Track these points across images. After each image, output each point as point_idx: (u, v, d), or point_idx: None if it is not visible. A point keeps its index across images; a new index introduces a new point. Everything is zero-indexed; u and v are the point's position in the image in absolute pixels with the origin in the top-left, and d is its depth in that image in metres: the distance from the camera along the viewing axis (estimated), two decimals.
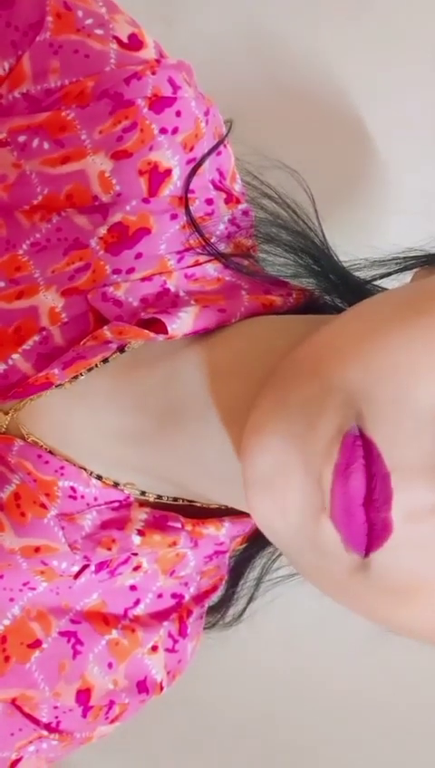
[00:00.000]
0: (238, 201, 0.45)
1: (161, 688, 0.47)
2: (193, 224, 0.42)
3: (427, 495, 0.30)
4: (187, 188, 0.42)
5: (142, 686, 0.46)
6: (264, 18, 0.54)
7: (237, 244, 0.45)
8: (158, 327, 0.41)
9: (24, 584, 0.43)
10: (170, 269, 0.42)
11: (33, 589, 0.43)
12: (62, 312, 0.42)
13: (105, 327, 0.41)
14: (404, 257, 0.43)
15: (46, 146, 0.41)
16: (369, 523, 0.31)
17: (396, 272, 0.43)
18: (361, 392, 0.31)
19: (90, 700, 0.45)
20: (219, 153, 0.44)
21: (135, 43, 0.41)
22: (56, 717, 0.44)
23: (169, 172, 0.41)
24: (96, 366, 0.42)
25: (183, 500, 0.44)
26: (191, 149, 0.42)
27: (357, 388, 0.31)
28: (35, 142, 0.41)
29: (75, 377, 0.42)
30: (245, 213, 0.45)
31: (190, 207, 0.42)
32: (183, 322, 0.40)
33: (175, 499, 0.44)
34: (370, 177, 0.54)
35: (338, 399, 0.31)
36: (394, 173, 0.54)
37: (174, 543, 0.43)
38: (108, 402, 0.42)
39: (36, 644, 0.44)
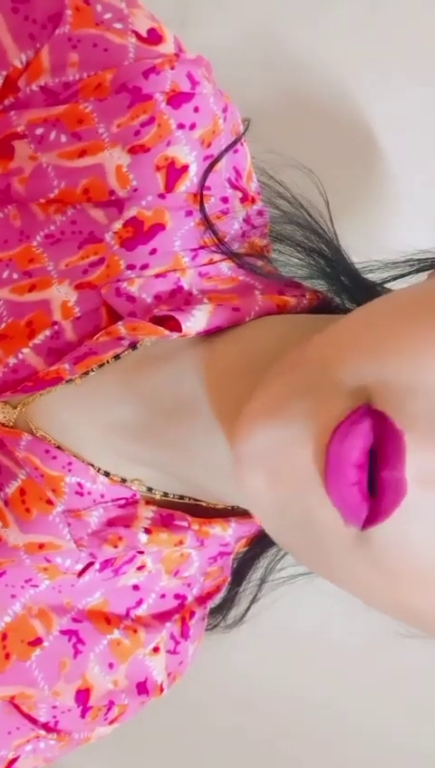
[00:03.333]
0: (254, 200, 0.45)
1: (161, 690, 0.46)
2: (207, 222, 0.42)
3: None
4: (202, 185, 0.42)
5: (142, 688, 0.46)
6: (278, 21, 0.54)
7: (251, 243, 0.45)
8: (171, 324, 0.40)
9: (27, 581, 0.43)
10: (184, 266, 0.42)
11: (36, 586, 0.43)
12: (75, 307, 0.41)
13: (119, 323, 0.40)
14: (418, 259, 0.43)
15: (63, 139, 0.40)
16: (379, 484, 0.28)
17: (409, 273, 0.43)
18: (372, 379, 0.30)
19: (89, 700, 0.44)
20: (236, 151, 0.43)
21: (154, 37, 0.41)
22: (54, 717, 0.44)
23: (185, 168, 0.41)
24: (107, 362, 0.42)
25: (189, 498, 0.44)
26: (209, 146, 0.42)
27: (369, 380, 0.30)
28: (53, 135, 0.40)
29: (86, 372, 0.42)
30: (260, 213, 0.45)
31: (205, 205, 0.42)
32: (197, 320, 0.40)
33: (181, 497, 0.44)
34: (383, 179, 0.54)
35: (347, 386, 0.30)
36: (407, 175, 0.54)
37: (180, 542, 0.43)
38: (118, 398, 0.42)
39: (37, 642, 0.43)
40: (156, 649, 0.46)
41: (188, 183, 0.41)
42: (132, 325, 0.40)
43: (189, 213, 0.42)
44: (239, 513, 0.45)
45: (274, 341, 0.40)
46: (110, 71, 0.40)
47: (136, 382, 0.42)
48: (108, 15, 0.40)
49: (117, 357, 0.42)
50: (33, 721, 0.43)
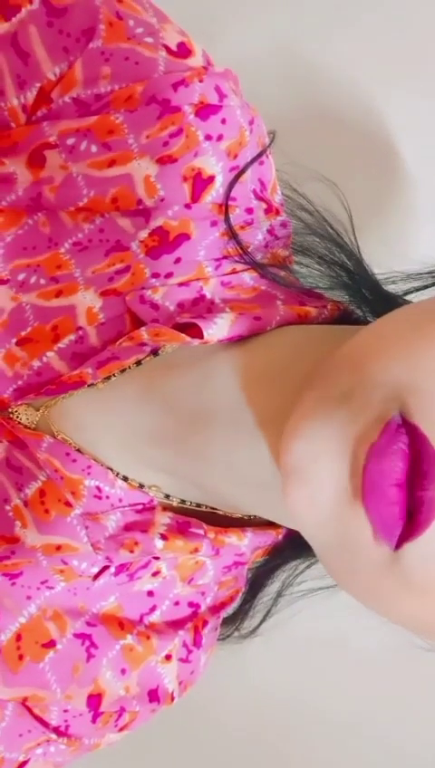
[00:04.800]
0: (278, 212, 0.45)
1: (172, 699, 0.46)
2: (231, 232, 0.42)
3: None
4: (228, 196, 0.42)
5: (154, 695, 0.45)
6: (301, 35, 0.55)
7: (274, 254, 0.45)
8: (193, 331, 0.41)
9: (43, 582, 0.43)
10: (208, 275, 0.42)
11: (51, 588, 0.43)
12: (100, 313, 0.42)
13: (142, 328, 0.41)
14: None
15: (94, 149, 0.41)
16: (414, 503, 0.29)
17: (432, 285, 0.43)
18: (405, 386, 0.30)
19: (100, 705, 0.44)
20: (262, 163, 0.44)
21: (184, 51, 0.42)
22: (65, 721, 0.43)
23: (212, 179, 0.42)
24: (129, 368, 0.42)
25: (206, 507, 0.44)
26: (235, 157, 0.42)
27: (401, 383, 0.31)
28: (83, 145, 0.41)
29: (108, 377, 0.42)
30: (283, 224, 0.46)
31: (230, 215, 0.42)
32: (219, 328, 0.40)
33: (198, 505, 0.44)
34: (405, 190, 0.54)
35: (381, 393, 0.31)
36: (430, 186, 0.54)
37: (196, 550, 0.43)
38: (138, 403, 0.42)
39: (51, 644, 0.43)
40: (168, 657, 0.45)
41: (213, 193, 0.42)
42: (155, 331, 0.40)
43: (214, 223, 0.43)
44: (256, 524, 0.45)
45: (298, 351, 0.40)
46: (140, 83, 0.40)
47: (157, 389, 0.42)
48: (139, 30, 0.41)
49: (138, 363, 0.42)
50: (44, 724, 0.43)
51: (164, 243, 0.42)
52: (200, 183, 0.42)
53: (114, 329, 0.42)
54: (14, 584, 0.43)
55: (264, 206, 0.45)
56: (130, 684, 0.45)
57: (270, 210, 0.45)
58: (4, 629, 0.42)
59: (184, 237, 0.42)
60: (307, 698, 0.58)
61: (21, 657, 0.43)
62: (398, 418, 0.30)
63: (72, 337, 0.42)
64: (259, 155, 0.44)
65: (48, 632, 0.43)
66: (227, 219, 0.42)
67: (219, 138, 0.42)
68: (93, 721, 0.44)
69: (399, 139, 0.54)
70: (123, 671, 0.45)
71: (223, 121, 0.42)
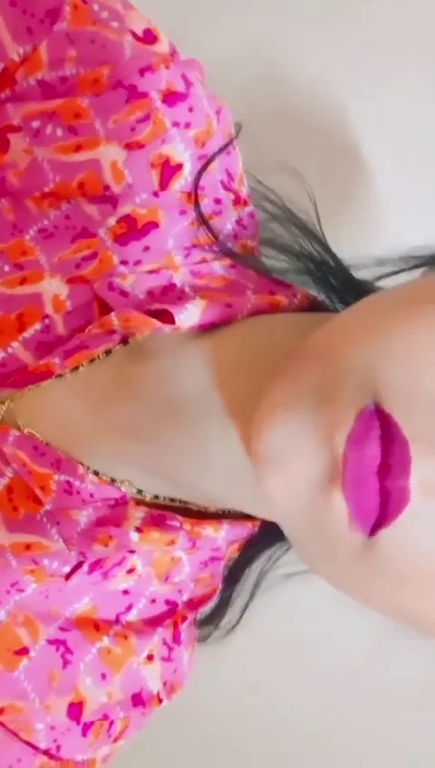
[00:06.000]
0: (246, 203, 0.45)
1: (160, 700, 0.44)
2: (203, 220, 0.42)
3: None
4: (197, 184, 0.42)
5: (138, 699, 0.44)
6: (273, 35, 0.55)
7: (243, 244, 0.45)
8: (164, 318, 0.40)
9: (12, 585, 0.41)
10: (177, 264, 0.42)
11: (22, 590, 0.41)
12: (67, 301, 0.41)
13: (112, 314, 0.40)
14: (413, 256, 0.43)
15: (59, 132, 0.40)
16: (383, 492, 0.30)
17: (402, 271, 0.44)
18: (377, 373, 0.31)
19: (82, 714, 0.42)
20: (228, 153, 0.44)
21: (150, 37, 0.41)
22: (55, 741, 0.41)
23: (180, 166, 0.41)
24: (98, 357, 0.41)
25: (179, 501, 0.43)
26: (203, 146, 0.42)
27: (373, 370, 0.31)
28: (49, 129, 0.40)
29: (76, 368, 0.41)
30: (251, 215, 0.46)
31: (199, 204, 0.42)
32: (190, 314, 0.40)
33: (172, 500, 0.43)
34: (374, 178, 0.55)
35: (354, 380, 0.31)
36: (399, 172, 0.55)
37: (172, 542, 0.42)
38: (108, 394, 0.41)
39: (23, 651, 0.41)
40: (150, 657, 0.44)
41: (182, 182, 0.42)
42: (125, 316, 0.40)
43: (183, 212, 0.42)
44: (231, 517, 0.44)
45: (268, 341, 0.40)
46: (106, 66, 0.40)
47: (126, 378, 0.41)
48: (105, 14, 0.41)
49: (108, 352, 0.41)
50: (33, 747, 0.41)
51: (132, 230, 0.41)
52: (168, 170, 0.41)
53: (82, 317, 0.41)
54: None
55: (232, 196, 0.45)
56: (113, 689, 0.43)
57: (238, 201, 0.45)
58: None
59: (152, 225, 0.41)
60: (287, 697, 0.58)
61: None
62: (371, 406, 0.30)
63: (38, 326, 0.41)
64: (227, 144, 0.44)
65: (20, 639, 0.41)
66: (197, 207, 0.42)
67: (187, 125, 0.41)
68: (84, 734, 0.42)
69: (362, 129, 0.55)
70: (104, 676, 0.43)
71: (190, 109, 0.41)
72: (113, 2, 0.42)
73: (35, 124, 0.40)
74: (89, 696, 0.42)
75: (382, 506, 0.30)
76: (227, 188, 0.44)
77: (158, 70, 0.40)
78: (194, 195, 0.42)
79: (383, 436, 0.30)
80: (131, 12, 0.42)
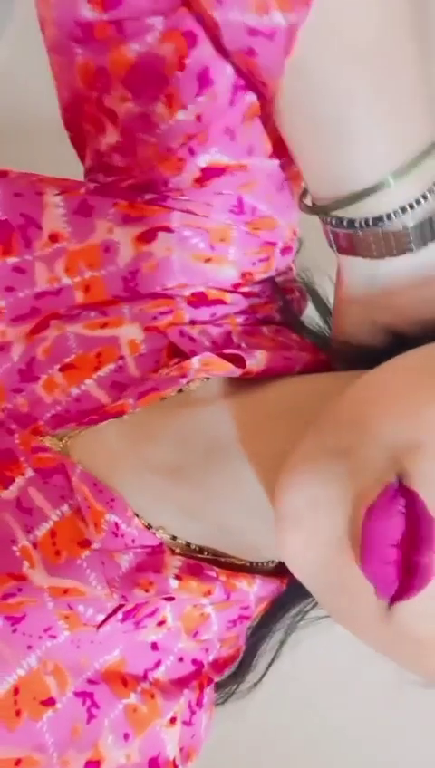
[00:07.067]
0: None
1: (175, 767, 0.42)
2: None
3: None
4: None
5: (154, 764, 0.42)
6: None
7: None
8: (235, 364, 0.42)
9: (46, 630, 0.40)
10: (236, 323, 0.45)
11: (54, 637, 0.40)
12: (142, 344, 0.43)
13: (195, 357, 0.41)
14: None
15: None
16: (407, 565, 0.30)
17: None
18: (406, 447, 0.31)
19: None
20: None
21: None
22: None
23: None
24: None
25: (208, 553, 0.43)
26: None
27: (402, 443, 0.31)
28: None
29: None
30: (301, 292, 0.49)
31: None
32: (258, 361, 0.42)
33: (201, 551, 0.43)
34: None
35: (381, 453, 0.31)
36: None
37: (209, 592, 0.42)
38: (155, 436, 0.42)
39: (50, 702, 0.40)
40: (173, 720, 0.43)
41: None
42: (206, 360, 0.41)
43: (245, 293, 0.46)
44: (261, 572, 0.44)
45: (309, 393, 0.42)
46: None
47: (176, 422, 0.42)
48: None
49: (163, 398, 0.43)
50: None
51: (203, 302, 0.44)
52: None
53: (152, 360, 0.43)
54: (15, 631, 0.40)
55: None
56: (132, 752, 0.41)
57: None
58: (1, 681, 0.39)
59: (221, 302, 0.45)
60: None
61: (18, 714, 0.39)
62: (395, 483, 0.30)
63: (113, 366, 0.43)
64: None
65: (48, 688, 0.40)
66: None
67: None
68: None
69: None
70: (126, 736, 0.41)
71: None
72: None
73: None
74: (108, 755, 0.40)
75: (407, 579, 0.30)
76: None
77: None
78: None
79: (409, 511, 0.30)
80: None
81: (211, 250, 0.44)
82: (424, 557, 0.30)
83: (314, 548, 0.32)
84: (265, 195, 0.43)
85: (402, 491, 0.30)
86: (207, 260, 0.44)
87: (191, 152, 0.40)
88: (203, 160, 0.41)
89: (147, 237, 0.43)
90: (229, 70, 0.38)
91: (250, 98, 0.39)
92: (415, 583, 0.30)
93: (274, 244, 0.45)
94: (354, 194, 0.37)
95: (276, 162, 0.42)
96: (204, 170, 0.41)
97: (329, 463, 0.32)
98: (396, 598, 0.30)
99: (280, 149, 0.41)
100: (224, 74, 0.38)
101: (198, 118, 0.39)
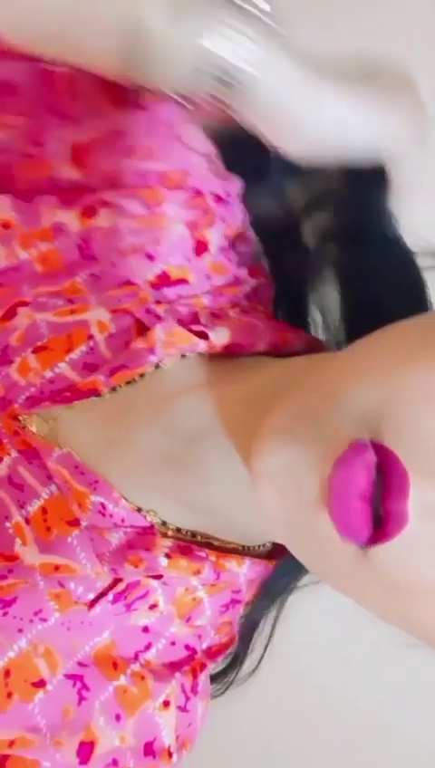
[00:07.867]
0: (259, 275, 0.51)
1: (170, 755, 0.42)
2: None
3: None
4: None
5: (149, 749, 0.41)
6: None
7: (254, 308, 0.49)
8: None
9: (36, 613, 0.40)
10: (203, 304, 0.47)
11: (45, 620, 0.41)
12: (110, 324, 0.44)
13: (157, 326, 0.43)
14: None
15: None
16: (379, 513, 0.31)
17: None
18: (380, 410, 0.32)
19: (92, 755, 0.40)
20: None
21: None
22: None
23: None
24: (134, 380, 0.44)
25: (201, 537, 0.44)
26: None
27: (376, 407, 0.32)
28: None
29: (114, 388, 0.43)
30: (266, 287, 0.51)
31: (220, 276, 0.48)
32: (221, 335, 0.44)
33: (193, 535, 0.44)
34: None
35: (354, 415, 0.32)
36: None
37: (198, 572, 0.42)
38: (142, 420, 0.43)
39: (40, 684, 0.40)
40: (166, 703, 0.42)
41: (210, 258, 0.47)
42: (169, 331, 0.43)
43: (209, 276, 0.47)
44: (251, 554, 0.45)
45: (280, 375, 0.43)
46: None
47: (161, 409, 0.43)
48: None
49: (142, 375, 0.44)
50: None
51: (165, 283, 0.46)
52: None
53: (122, 340, 0.44)
54: (5, 614, 0.40)
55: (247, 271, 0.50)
56: (126, 733, 0.41)
57: (253, 273, 0.50)
58: None
59: (184, 281, 0.47)
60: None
61: (9, 695, 0.39)
62: (365, 439, 0.32)
63: (84, 347, 0.44)
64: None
65: (38, 670, 0.40)
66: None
67: None
68: None
69: None
70: (118, 717, 0.41)
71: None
72: None
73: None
74: (101, 736, 0.40)
75: (380, 528, 0.31)
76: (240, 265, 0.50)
77: None
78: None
79: (382, 466, 0.31)
80: None
81: (149, 209, 0.46)
82: (398, 504, 0.31)
83: (286, 502, 0.33)
84: (162, 150, 0.47)
85: (374, 446, 0.32)
86: (150, 222, 0.46)
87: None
88: None
89: (89, 213, 0.46)
90: None
91: None
92: (388, 529, 0.31)
93: (200, 193, 0.47)
94: None
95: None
96: None
97: (299, 425, 0.34)
98: (370, 542, 0.31)
99: None
100: None
101: None
